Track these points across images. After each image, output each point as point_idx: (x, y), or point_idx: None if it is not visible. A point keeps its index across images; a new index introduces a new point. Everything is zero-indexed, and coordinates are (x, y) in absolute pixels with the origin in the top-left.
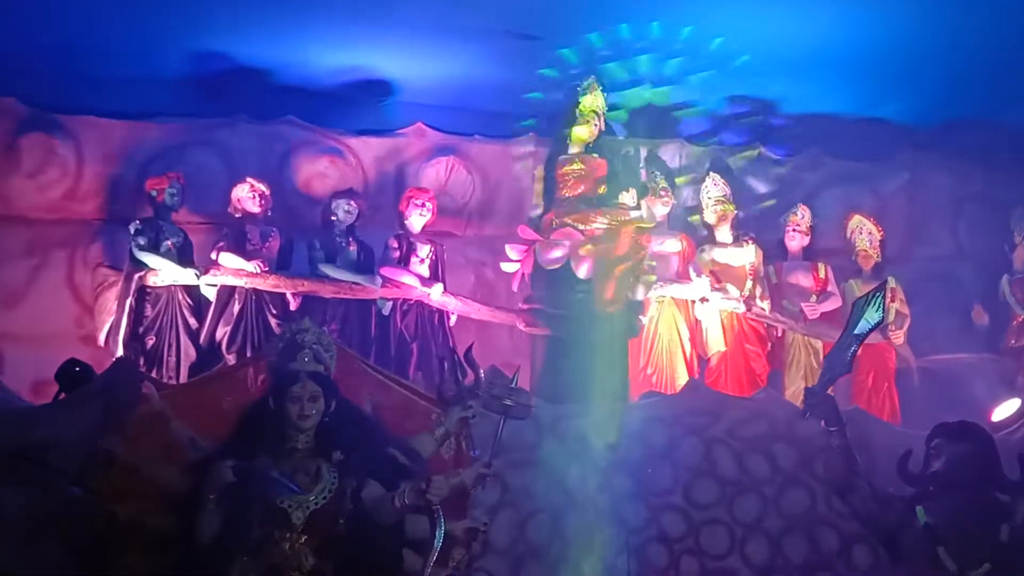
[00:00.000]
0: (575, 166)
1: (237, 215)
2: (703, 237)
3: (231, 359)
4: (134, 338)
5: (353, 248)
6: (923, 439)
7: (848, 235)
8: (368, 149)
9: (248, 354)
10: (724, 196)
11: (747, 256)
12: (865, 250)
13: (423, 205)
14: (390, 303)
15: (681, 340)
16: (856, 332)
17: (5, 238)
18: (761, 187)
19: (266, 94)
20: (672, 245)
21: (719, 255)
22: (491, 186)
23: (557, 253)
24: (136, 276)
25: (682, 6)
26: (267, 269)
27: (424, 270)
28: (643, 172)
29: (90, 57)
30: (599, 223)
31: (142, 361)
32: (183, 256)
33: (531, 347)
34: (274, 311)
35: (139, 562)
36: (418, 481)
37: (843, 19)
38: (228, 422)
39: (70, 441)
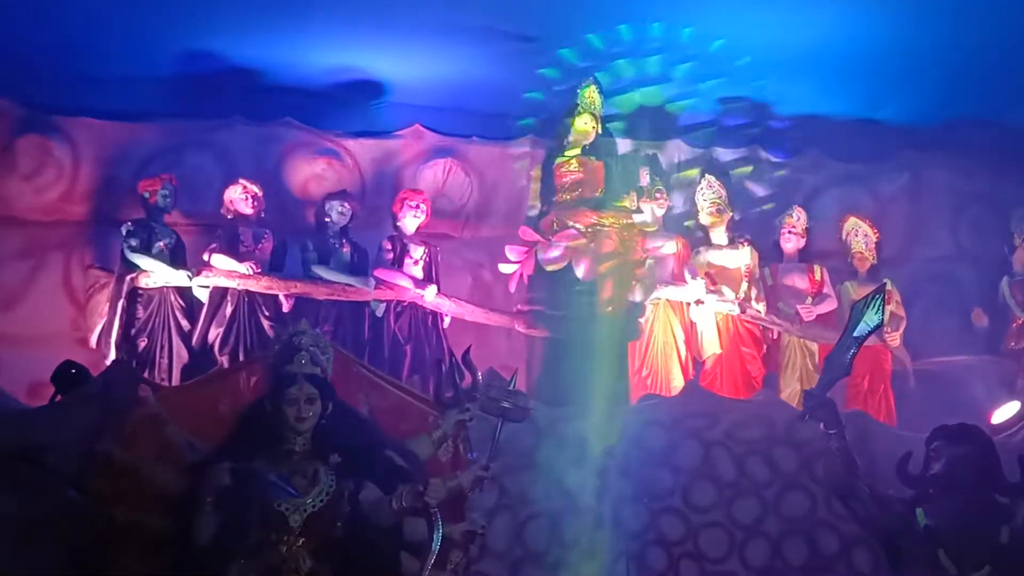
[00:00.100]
0: (573, 168)
1: (230, 216)
2: (698, 239)
3: (224, 361)
4: (126, 340)
5: (346, 249)
6: (923, 441)
7: (843, 237)
8: (365, 151)
9: (241, 356)
10: (719, 198)
11: (742, 258)
12: (860, 252)
13: (417, 207)
14: (383, 305)
15: (676, 343)
16: (856, 335)
17: (2, 240)
18: (760, 189)
19: (263, 95)
20: (667, 247)
21: (714, 257)
22: (489, 188)
23: (558, 254)
24: (128, 278)
25: (680, 7)
26: (260, 271)
27: (418, 272)
28: (643, 174)
29: (87, 58)
30: (601, 225)
31: (134, 363)
32: (175, 258)
33: (528, 349)
34: (267, 313)
35: (136, 564)
36: (415, 484)
37: (841, 20)
38: (225, 425)
39: (67, 443)
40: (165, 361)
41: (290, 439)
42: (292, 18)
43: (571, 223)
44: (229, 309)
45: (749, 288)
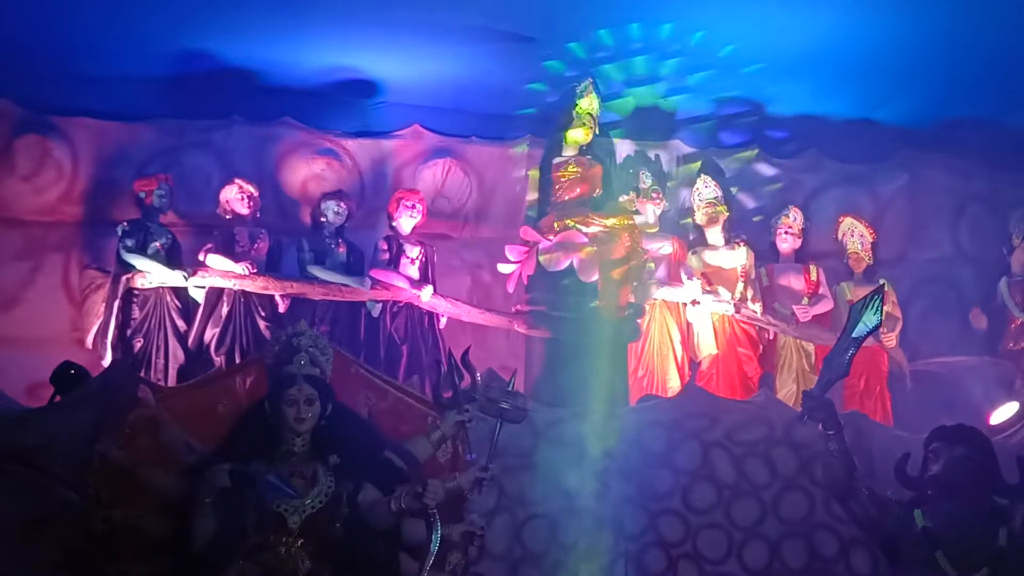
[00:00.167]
0: (571, 169)
1: (227, 216)
2: (694, 239)
3: (220, 361)
4: (122, 340)
5: (342, 250)
6: (921, 443)
7: (839, 237)
8: (364, 151)
9: (237, 356)
10: (715, 198)
11: (738, 258)
12: (856, 252)
13: (413, 207)
14: (379, 305)
15: (672, 343)
16: (854, 335)
17: (0, 241)
18: (759, 190)
19: (261, 96)
20: (664, 248)
21: (710, 257)
22: (487, 188)
23: (559, 255)
24: (124, 278)
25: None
26: (256, 271)
27: (414, 272)
28: (642, 175)
29: (85, 59)
30: (602, 225)
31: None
32: (171, 258)
33: (527, 350)
34: (263, 313)
35: (134, 566)
36: (414, 485)
37: (840, 21)
38: (223, 426)
39: (65, 444)
40: (161, 362)
41: (289, 440)
42: (290, 18)
43: (571, 224)
44: (225, 309)
45: (745, 289)
